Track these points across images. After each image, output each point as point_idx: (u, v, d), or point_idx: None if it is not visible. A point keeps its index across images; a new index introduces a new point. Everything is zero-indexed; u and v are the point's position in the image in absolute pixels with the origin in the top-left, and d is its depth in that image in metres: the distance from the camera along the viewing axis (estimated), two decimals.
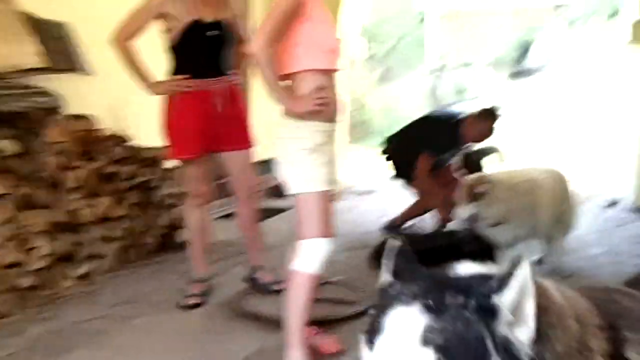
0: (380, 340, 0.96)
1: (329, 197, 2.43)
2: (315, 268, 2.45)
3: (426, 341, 0.91)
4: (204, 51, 3.15)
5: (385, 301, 1.00)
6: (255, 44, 2.29)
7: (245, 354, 2.71)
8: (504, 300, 0.92)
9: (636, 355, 1.08)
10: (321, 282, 3.58)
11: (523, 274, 0.92)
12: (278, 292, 3.29)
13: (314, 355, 2.58)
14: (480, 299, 0.93)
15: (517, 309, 0.92)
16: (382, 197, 6.12)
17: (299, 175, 2.38)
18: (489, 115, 4.26)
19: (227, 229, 4.96)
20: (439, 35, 13.02)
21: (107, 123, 3.95)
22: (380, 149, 4.75)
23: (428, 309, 0.94)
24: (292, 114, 2.34)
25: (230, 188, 3.51)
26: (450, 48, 12.57)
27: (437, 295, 0.95)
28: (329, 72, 2.38)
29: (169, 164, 4.02)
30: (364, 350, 0.99)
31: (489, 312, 0.91)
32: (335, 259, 4.11)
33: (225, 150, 3.30)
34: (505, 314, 0.92)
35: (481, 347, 0.91)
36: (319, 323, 2.80)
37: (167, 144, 3.26)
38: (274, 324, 2.91)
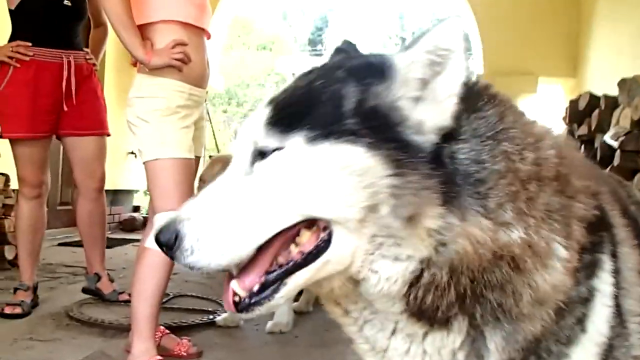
0: None
1: (188, 167, 2.18)
2: None
3: (271, 100, 0.80)
4: (55, 19, 2.80)
5: None
6: None
7: None
8: (403, 61, 0.75)
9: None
10: (175, 295, 3.31)
11: (443, 34, 0.72)
12: (121, 302, 2.96)
13: (165, 357, 2.22)
14: (362, 59, 0.79)
15: (430, 80, 0.74)
16: None
17: (153, 139, 2.07)
18: None
19: (65, 254, 4.47)
20: None
21: None
22: None
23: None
24: (147, 69, 2.08)
25: (74, 180, 3.03)
26: None
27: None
28: (192, 29, 2.15)
29: None
30: None
31: (370, 72, 0.75)
32: (191, 279, 3.92)
33: (73, 134, 2.88)
34: (401, 78, 0.74)
35: (330, 106, 0.74)
36: (169, 329, 2.47)
37: None
38: (114, 330, 2.58)
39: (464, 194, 0.71)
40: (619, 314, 0.82)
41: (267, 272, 0.75)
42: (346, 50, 0.90)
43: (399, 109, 0.73)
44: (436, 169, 0.71)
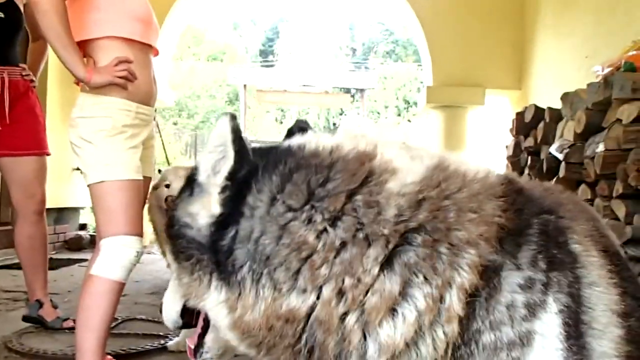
0: None
1: (136, 188, 2.09)
2: (118, 273, 2.01)
3: None
4: None
5: None
6: None
7: None
8: (201, 168, 0.84)
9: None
10: (124, 319, 3.17)
11: (216, 133, 0.81)
12: (66, 330, 2.81)
13: None
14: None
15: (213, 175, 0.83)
16: None
17: (98, 160, 1.98)
18: None
19: (4, 278, 4.24)
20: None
21: None
22: None
23: None
24: (89, 87, 1.98)
25: (12, 203, 2.88)
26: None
27: None
28: (137, 45, 2.07)
29: None
30: None
31: (188, 179, 0.88)
32: (141, 301, 3.78)
33: (9, 154, 2.73)
34: (198, 179, 0.84)
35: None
36: (118, 357, 2.36)
37: None
38: None
39: (243, 269, 0.78)
40: (581, 356, 0.79)
41: (199, 333, 1.00)
42: (298, 131, 0.93)
43: (178, 209, 0.87)
44: (210, 252, 0.80)
